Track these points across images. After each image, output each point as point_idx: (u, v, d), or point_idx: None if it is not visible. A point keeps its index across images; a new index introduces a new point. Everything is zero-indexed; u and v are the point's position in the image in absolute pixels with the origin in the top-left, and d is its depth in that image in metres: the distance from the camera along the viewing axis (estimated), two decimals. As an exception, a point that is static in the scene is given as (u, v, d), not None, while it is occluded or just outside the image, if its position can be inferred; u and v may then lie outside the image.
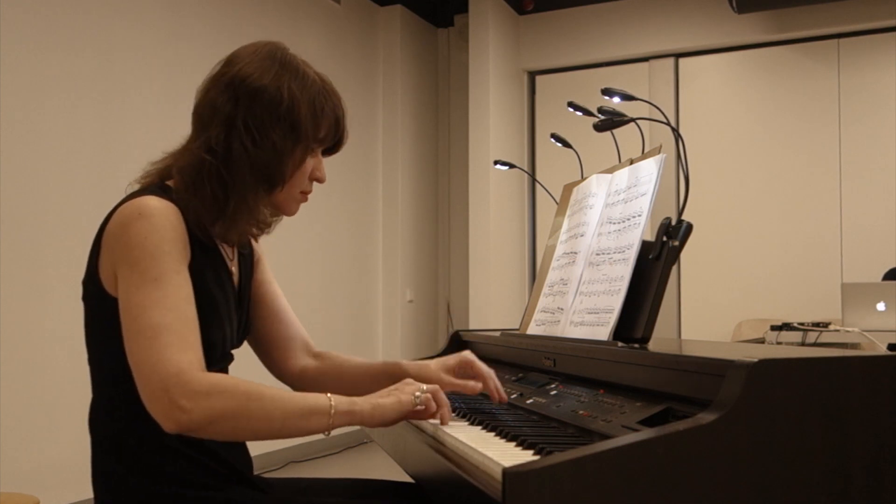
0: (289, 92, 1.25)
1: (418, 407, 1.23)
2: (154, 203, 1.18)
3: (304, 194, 1.34)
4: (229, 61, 1.28)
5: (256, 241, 1.45)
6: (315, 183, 1.36)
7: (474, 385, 1.39)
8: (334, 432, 1.20)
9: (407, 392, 1.24)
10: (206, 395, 1.08)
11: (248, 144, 1.22)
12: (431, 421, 1.29)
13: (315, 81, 1.29)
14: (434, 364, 1.44)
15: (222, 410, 1.09)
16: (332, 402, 1.17)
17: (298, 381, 1.50)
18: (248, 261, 1.44)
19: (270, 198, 1.30)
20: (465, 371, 1.44)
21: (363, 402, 1.20)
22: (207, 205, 1.23)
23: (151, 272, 1.13)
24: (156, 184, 1.27)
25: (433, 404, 1.25)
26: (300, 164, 1.29)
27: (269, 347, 1.50)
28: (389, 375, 1.42)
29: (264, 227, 1.37)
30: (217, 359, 1.30)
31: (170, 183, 1.28)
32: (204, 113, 1.26)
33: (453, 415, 1.43)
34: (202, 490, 1.23)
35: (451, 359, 1.44)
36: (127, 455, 1.22)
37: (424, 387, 1.25)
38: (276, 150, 1.25)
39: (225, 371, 1.36)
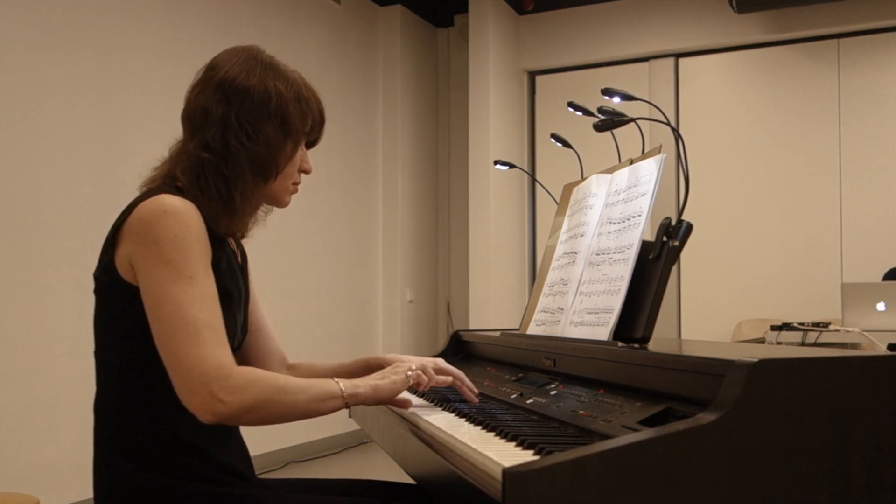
0: (275, 90, 1.33)
1: (411, 383, 1.36)
2: (176, 201, 1.23)
3: (296, 185, 1.43)
4: (212, 66, 1.35)
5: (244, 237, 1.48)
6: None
7: (444, 379, 1.46)
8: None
9: (400, 372, 1.37)
10: (244, 389, 1.15)
11: (244, 140, 1.30)
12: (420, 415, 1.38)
13: (296, 80, 1.37)
14: (415, 361, 1.50)
15: (257, 401, 1.16)
16: (342, 386, 1.27)
17: None
18: (245, 263, 1.49)
19: (265, 189, 1.36)
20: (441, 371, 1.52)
21: (363, 385, 1.30)
22: (214, 200, 1.29)
23: (186, 269, 1.18)
24: (168, 184, 1.31)
25: (425, 378, 1.38)
26: (291, 156, 1.37)
27: (249, 360, 1.53)
28: (368, 369, 1.50)
29: (257, 219, 1.43)
30: None
31: (178, 184, 1.31)
32: (196, 116, 1.32)
33: (453, 414, 1.44)
34: (204, 484, 1.25)
35: (428, 360, 1.51)
36: (130, 447, 1.24)
37: (414, 365, 1.39)
38: (270, 144, 1.33)
39: None
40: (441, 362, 1.49)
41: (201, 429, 1.24)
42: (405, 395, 1.42)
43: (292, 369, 1.58)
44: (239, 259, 1.43)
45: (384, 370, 1.38)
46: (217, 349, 1.16)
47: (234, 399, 1.13)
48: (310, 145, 1.44)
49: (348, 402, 1.27)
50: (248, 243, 1.50)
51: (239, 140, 1.29)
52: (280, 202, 1.41)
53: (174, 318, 1.16)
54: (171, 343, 1.16)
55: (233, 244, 1.42)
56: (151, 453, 1.24)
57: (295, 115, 1.34)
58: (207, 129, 1.30)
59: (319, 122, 1.40)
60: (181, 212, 1.21)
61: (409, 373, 1.36)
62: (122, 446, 1.25)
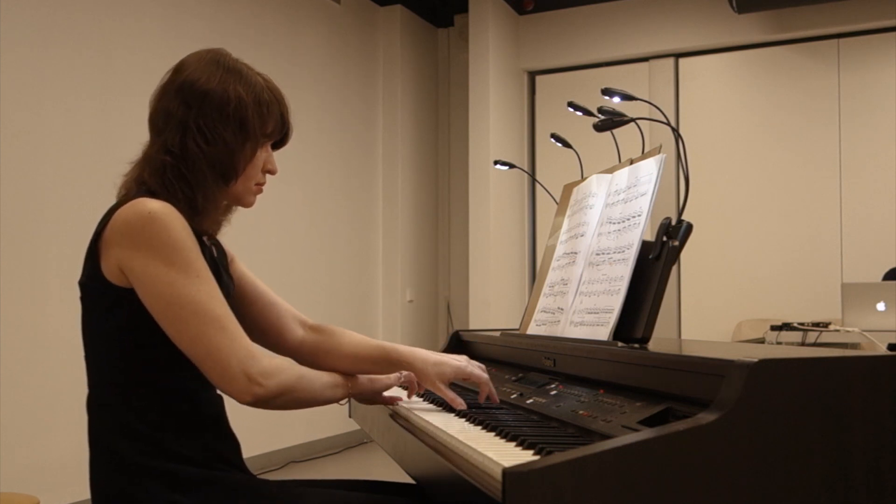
0: (235, 93, 1.34)
1: (403, 383, 1.53)
2: (156, 204, 1.25)
3: (259, 186, 1.44)
4: (176, 70, 1.38)
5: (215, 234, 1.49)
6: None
7: (461, 402, 1.47)
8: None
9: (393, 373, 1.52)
10: (275, 373, 1.25)
11: (202, 143, 1.32)
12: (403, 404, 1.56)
13: (258, 83, 1.38)
14: (433, 370, 1.49)
15: (286, 385, 1.27)
16: (344, 378, 1.44)
17: (297, 353, 1.56)
18: (224, 257, 1.49)
19: (228, 190, 1.38)
20: (462, 380, 1.53)
21: (362, 377, 1.48)
22: (181, 201, 1.31)
23: (191, 269, 1.23)
24: (141, 189, 1.33)
25: (415, 386, 1.54)
26: (251, 158, 1.38)
27: (266, 331, 1.55)
28: (387, 363, 1.51)
29: (225, 219, 1.45)
30: None
31: (150, 188, 1.33)
32: (158, 119, 1.35)
33: (452, 414, 1.45)
34: (198, 468, 1.27)
35: (449, 369, 1.49)
36: (125, 432, 1.26)
37: (404, 373, 1.52)
38: (228, 147, 1.34)
39: None
40: (465, 369, 1.53)
41: (189, 419, 1.30)
42: (397, 392, 1.56)
43: (317, 331, 1.56)
44: (215, 253, 1.44)
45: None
46: (244, 339, 1.25)
47: (270, 382, 1.23)
48: (276, 146, 1.45)
49: (350, 391, 1.43)
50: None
51: (197, 143, 1.31)
52: (243, 202, 1.42)
53: (198, 317, 1.22)
54: (202, 340, 1.22)
55: (206, 241, 1.43)
56: (144, 438, 1.26)
57: (254, 118, 1.35)
58: (167, 132, 1.32)
59: (281, 125, 1.41)
60: (166, 213, 1.24)
61: (401, 377, 1.52)
62: (117, 432, 1.27)
